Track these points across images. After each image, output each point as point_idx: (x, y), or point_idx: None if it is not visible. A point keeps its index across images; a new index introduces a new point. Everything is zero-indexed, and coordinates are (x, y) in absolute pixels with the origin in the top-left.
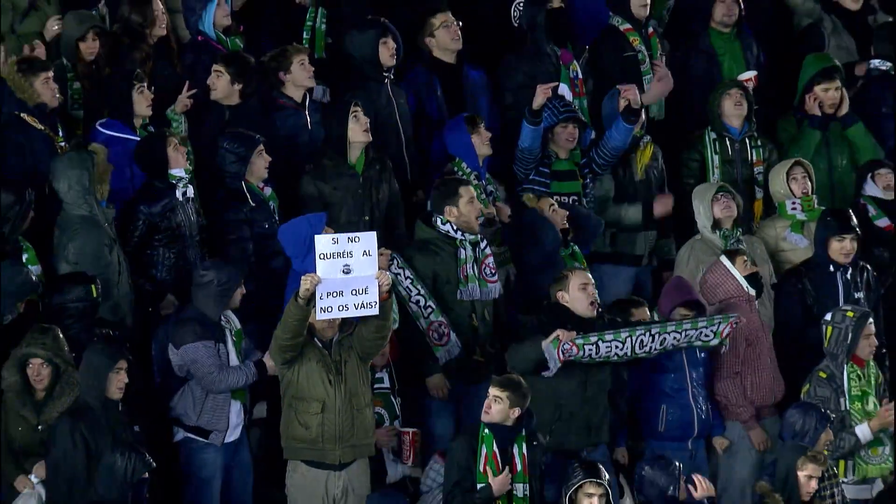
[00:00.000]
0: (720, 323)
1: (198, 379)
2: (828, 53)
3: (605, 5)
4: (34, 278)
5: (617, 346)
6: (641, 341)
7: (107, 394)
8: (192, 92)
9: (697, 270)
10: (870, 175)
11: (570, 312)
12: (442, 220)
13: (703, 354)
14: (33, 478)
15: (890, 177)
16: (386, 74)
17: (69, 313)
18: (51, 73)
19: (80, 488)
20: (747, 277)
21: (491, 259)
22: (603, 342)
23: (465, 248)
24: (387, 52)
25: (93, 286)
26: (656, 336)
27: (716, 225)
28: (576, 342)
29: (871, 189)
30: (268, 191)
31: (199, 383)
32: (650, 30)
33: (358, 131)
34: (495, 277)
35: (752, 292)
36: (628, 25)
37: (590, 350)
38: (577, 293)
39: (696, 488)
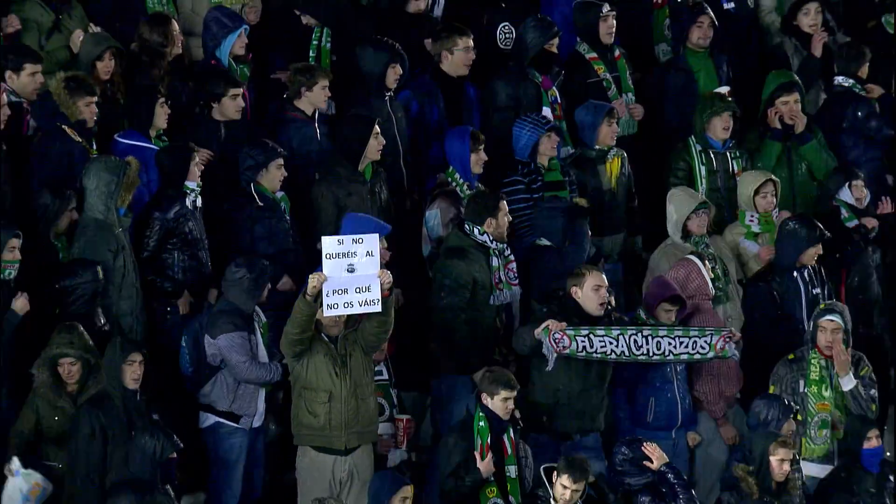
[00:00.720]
0: (712, 335)
1: (230, 367)
2: (788, 71)
3: (571, 33)
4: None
5: (611, 343)
6: (635, 341)
7: (123, 384)
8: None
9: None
10: (847, 184)
11: (580, 308)
12: (480, 231)
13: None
14: (13, 465)
15: (864, 189)
16: (388, 92)
17: (78, 294)
18: (95, 98)
19: (98, 472)
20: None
21: (514, 264)
22: (595, 336)
23: (496, 256)
24: (393, 75)
25: (98, 269)
26: (649, 338)
27: (686, 234)
28: (567, 333)
29: (846, 195)
30: (279, 193)
31: (230, 372)
32: (616, 53)
33: (374, 149)
34: (517, 281)
35: (713, 293)
36: (594, 54)
37: (583, 343)
38: (590, 292)
39: (651, 460)
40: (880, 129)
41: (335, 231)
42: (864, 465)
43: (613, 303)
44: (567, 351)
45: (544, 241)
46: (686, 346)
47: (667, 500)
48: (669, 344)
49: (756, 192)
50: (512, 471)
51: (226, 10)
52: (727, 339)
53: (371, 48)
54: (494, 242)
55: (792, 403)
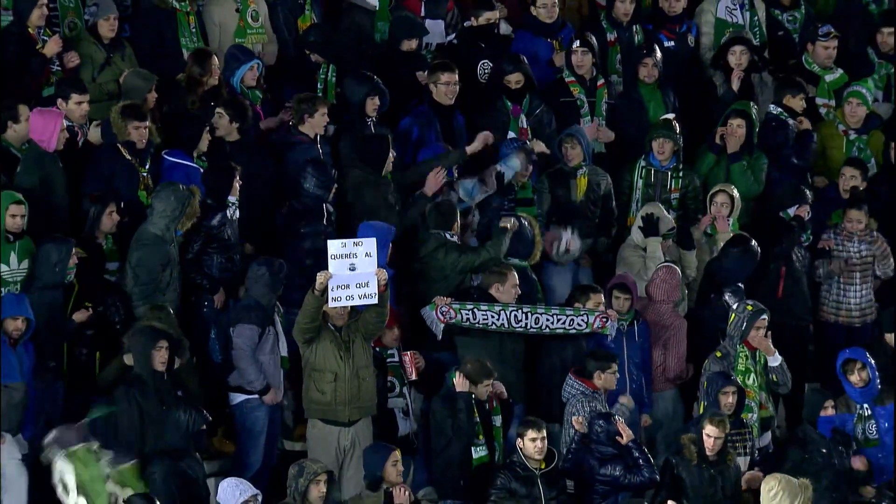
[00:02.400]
0: (588, 315)
1: (234, 348)
2: (748, 101)
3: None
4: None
5: (492, 316)
6: (515, 316)
7: (152, 366)
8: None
9: (635, 264)
10: (797, 205)
11: (496, 301)
12: (450, 235)
13: (640, 339)
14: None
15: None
16: (369, 119)
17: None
18: (147, 123)
19: (136, 441)
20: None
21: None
22: (479, 310)
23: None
24: (371, 105)
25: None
26: (528, 314)
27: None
28: (452, 307)
29: (791, 211)
30: (331, 208)
31: (233, 353)
32: (600, 82)
33: (391, 161)
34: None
35: (678, 300)
36: (572, 78)
37: (467, 315)
38: (510, 289)
39: (622, 437)
40: (789, 158)
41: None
42: (818, 430)
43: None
44: (453, 321)
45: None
46: (563, 323)
47: (633, 471)
48: (547, 320)
49: (711, 199)
50: (497, 420)
51: (241, 46)
52: (603, 319)
53: (353, 80)
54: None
55: (735, 378)
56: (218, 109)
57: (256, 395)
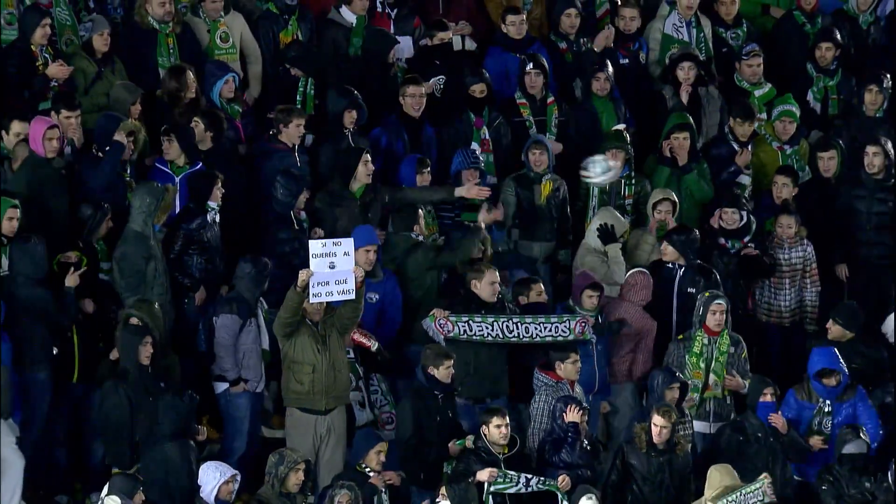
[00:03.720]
0: (570, 321)
1: (216, 336)
2: (686, 114)
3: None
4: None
5: (487, 328)
6: (507, 327)
7: (138, 360)
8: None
9: (598, 269)
10: (719, 214)
11: (477, 297)
12: (415, 235)
13: (592, 339)
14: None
15: (734, 216)
16: (346, 130)
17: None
18: (131, 137)
19: (126, 432)
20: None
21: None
22: (473, 322)
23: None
24: (349, 119)
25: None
26: (518, 324)
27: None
28: (450, 319)
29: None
30: (303, 214)
31: (214, 341)
32: (550, 99)
33: (364, 173)
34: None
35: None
36: (524, 100)
37: (463, 328)
38: (487, 286)
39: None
40: (719, 173)
41: (330, 235)
42: (757, 415)
43: (500, 292)
44: (451, 334)
45: None
46: (550, 330)
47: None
48: (535, 329)
49: (654, 206)
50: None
51: (217, 61)
52: (583, 324)
53: (335, 92)
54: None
55: (679, 375)
56: (195, 118)
57: (236, 385)
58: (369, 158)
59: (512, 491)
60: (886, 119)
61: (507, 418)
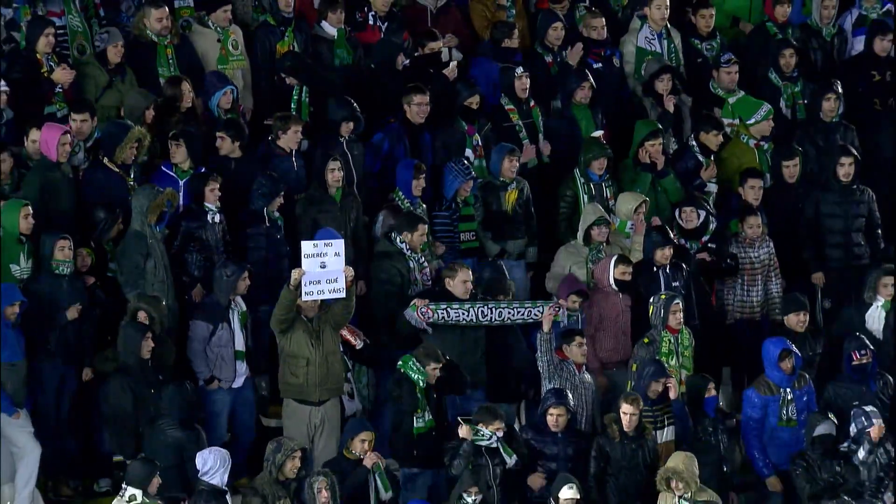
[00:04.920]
0: (543, 305)
1: (188, 343)
2: (652, 121)
3: (493, 89)
4: None
5: (463, 314)
6: (482, 311)
7: (140, 355)
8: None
9: (567, 268)
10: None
11: (451, 293)
12: (400, 240)
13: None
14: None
15: (693, 215)
16: (342, 138)
17: None
18: (136, 144)
19: (130, 423)
20: (620, 281)
21: (427, 269)
22: (451, 309)
23: (412, 261)
24: (346, 128)
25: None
26: (492, 309)
27: (587, 240)
28: (430, 307)
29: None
30: (276, 213)
31: (187, 345)
32: (532, 103)
33: (331, 180)
34: (430, 282)
35: (616, 288)
36: (511, 106)
37: (442, 314)
38: (460, 284)
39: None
40: (691, 182)
41: (310, 238)
42: (704, 410)
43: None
44: (432, 320)
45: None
46: (521, 314)
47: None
48: (508, 313)
49: (635, 210)
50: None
51: (217, 72)
52: (556, 308)
53: (335, 102)
54: (410, 251)
55: (666, 367)
56: (219, 133)
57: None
58: (335, 167)
59: (486, 432)
60: (841, 123)
61: (502, 422)
